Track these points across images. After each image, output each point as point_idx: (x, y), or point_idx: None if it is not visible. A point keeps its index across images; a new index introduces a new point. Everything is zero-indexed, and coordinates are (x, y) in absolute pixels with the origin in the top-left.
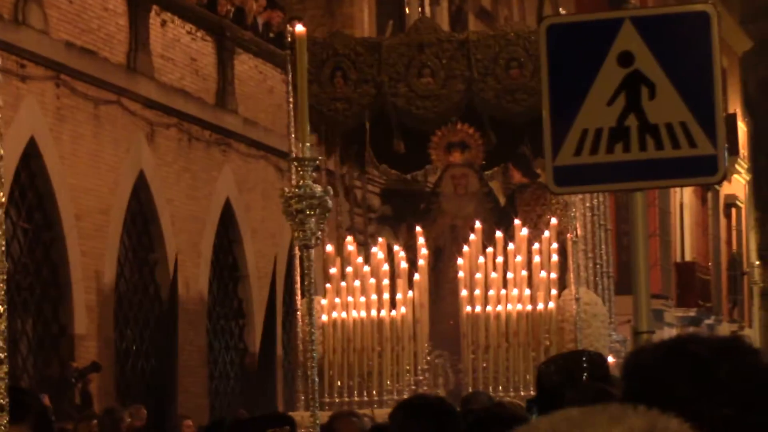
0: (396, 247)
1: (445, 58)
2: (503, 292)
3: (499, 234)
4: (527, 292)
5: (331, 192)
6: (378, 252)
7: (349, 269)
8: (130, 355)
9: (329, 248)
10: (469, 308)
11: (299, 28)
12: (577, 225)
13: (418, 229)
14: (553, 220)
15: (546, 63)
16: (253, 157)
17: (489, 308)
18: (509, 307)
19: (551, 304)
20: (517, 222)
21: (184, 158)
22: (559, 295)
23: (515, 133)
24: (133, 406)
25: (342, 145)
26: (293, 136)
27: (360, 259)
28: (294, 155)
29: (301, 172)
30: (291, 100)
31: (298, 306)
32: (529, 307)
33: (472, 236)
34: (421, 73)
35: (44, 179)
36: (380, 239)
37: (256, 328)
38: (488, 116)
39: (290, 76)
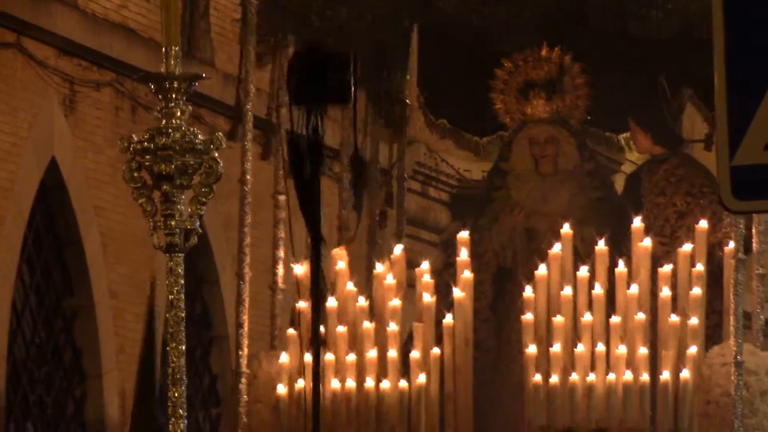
0: (424, 265)
1: None
2: (601, 348)
3: (601, 245)
4: (643, 350)
5: (224, 141)
6: (385, 274)
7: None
8: None
9: (300, 269)
10: (537, 377)
11: None
12: (754, 230)
13: (463, 234)
14: (703, 223)
15: None
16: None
17: (574, 376)
18: (611, 376)
19: (685, 373)
20: (636, 224)
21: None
22: (704, 356)
23: (645, 59)
24: None
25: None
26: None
27: (351, 286)
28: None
29: (164, 103)
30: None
31: (243, 369)
32: (645, 377)
33: (556, 246)
34: None
35: None
36: (396, 251)
37: None
38: (602, 29)
39: None
